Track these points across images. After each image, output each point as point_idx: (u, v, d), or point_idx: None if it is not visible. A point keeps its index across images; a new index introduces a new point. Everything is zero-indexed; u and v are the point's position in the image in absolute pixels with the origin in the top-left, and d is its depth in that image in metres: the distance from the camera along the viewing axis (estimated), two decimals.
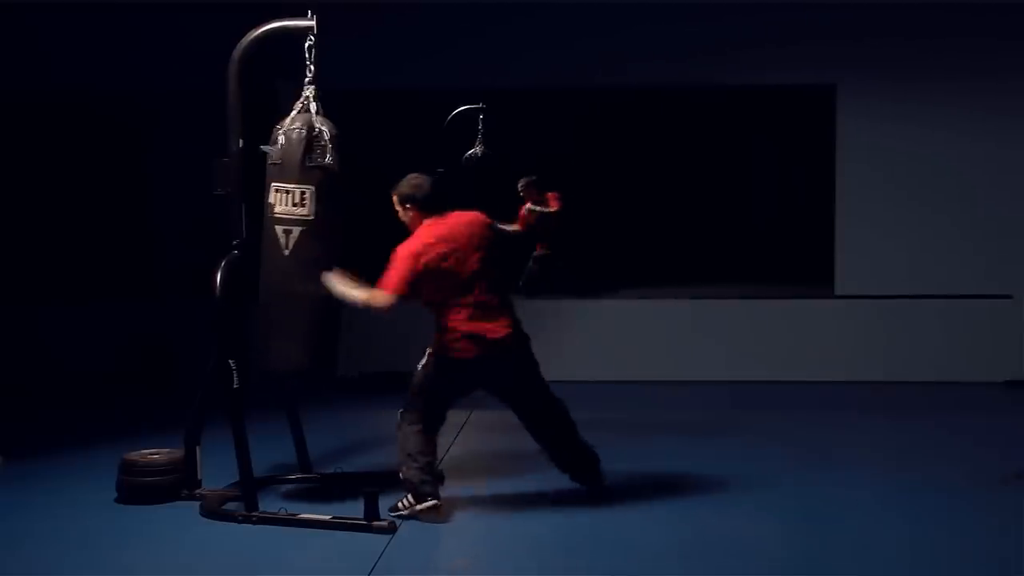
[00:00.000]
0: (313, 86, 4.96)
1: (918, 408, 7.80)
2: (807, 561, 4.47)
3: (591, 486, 5.24)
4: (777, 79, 8.95)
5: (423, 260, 4.80)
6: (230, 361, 5.01)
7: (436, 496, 4.93)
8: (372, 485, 4.92)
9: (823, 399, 8.13)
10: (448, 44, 8.87)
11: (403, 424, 4.98)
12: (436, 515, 4.91)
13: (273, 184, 4.89)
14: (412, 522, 4.91)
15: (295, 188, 4.84)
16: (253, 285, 5.18)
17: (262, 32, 5.10)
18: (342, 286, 4.83)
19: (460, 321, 4.89)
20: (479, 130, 8.57)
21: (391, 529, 4.72)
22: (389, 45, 8.82)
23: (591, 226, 10.65)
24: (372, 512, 4.74)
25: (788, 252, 11.11)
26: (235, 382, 5.01)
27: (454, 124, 8.57)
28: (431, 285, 4.84)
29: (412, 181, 5.01)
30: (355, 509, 4.84)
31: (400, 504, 4.95)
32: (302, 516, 4.87)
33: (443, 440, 6.23)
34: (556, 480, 5.42)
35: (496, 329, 4.93)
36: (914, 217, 8.77)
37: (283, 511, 4.92)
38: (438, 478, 5.25)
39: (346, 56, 8.28)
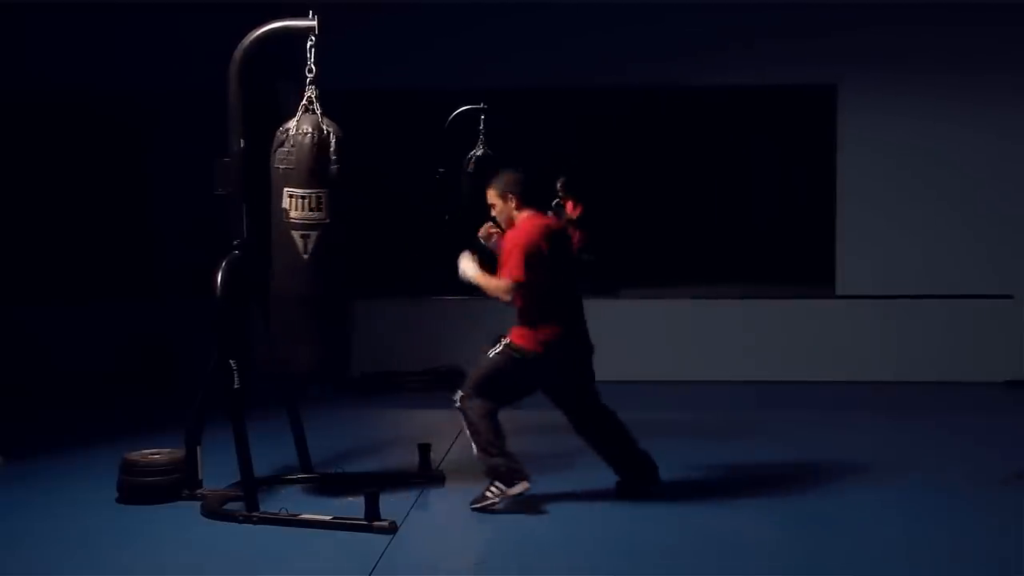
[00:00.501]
0: (314, 86, 4.96)
1: (919, 408, 7.79)
2: (807, 561, 4.47)
3: (645, 488, 5.27)
4: (778, 78, 8.95)
5: (533, 249, 4.96)
6: (231, 361, 5.01)
7: (527, 476, 4.97)
8: (372, 485, 4.92)
9: (824, 399, 8.13)
10: (448, 44, 8.86)
11: (469, 411, 4.99)
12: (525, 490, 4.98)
13: (286, 190, 4.88)
14: (412, 522, 4.92)
15: (311, 193, 4.86)
16: (254, 285, 5.17)
17: (263, 32, 5.09)
18: (474, 271, 5.00)
19: (545, 315, 4.99)
20: (480, 130, 8.58)
21: (392, 529, 4.71)
22: (389, 45, 8.81)
23: (591, 226, 10.64)
24: (373, 512, 4.74)
25: (789, 252, 11.12)
26: (236, 382, 5.01)
27: (455, 124, 8.58)
28: (534, 273, 4.95)
29: (512, 175, 5.20)
30: (357, 509, 4.84)
31: (488, 493, 4.97)
32: (303, 516, 4.86)
33: (445, 441, 6.24)
34: (557, 481, 5.43)
35: (573, 328, 5.10)
36: (915, 217, 8.77)
37: (284, 511, 4.91)
38: (439, 479, 5.26)
39: (346, 56, 8.27)
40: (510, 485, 4.95)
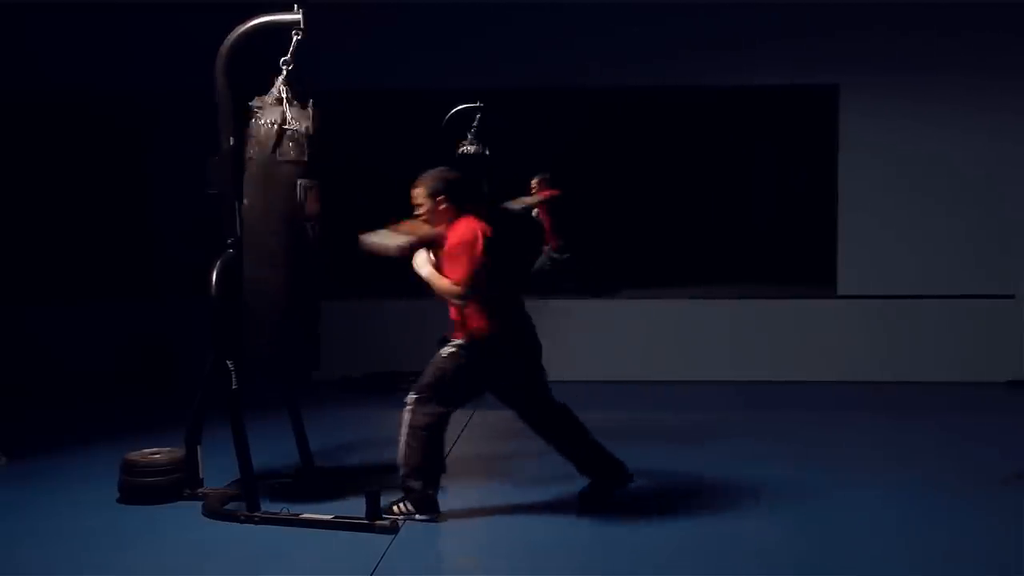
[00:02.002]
0: (284, 79, 4.92)
1: (919, 408, 7.79)
2: (807, 561, 4.47)
3: (615, 488, 5.21)
4: (780, 79, 8.94)
5: (479, 251, 4.78)
6: (228, 362, 5.00)
7: (435, 511, 4.91)
8: (374, 484, 4.92)
9: (824, 399, 8.13)
10: (448, 44, 8.86)
11: (413, 414, 4.86)
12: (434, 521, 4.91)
13: (300, 182, 4.88)
14: (414, 522, 4.91)
15: (316, 184, 4.93)
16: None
17: (250, 27, 5.05)
18: (428, 269, 4.81)
19: (490, 315, 4.87)
20: (473, 127, 8.57)
21: (393, 529, 4.72)
22: (389, 45, 8.81)
23: (591, 226, 10.65)
24: (374, 512, 4.74)
25: (790, 252, 11.11)
26: (234, 382, 5.00)
27: (452, 123, 8.57)
28: (480, 278, 4.81)
29: (444, 174, 4.95)
30: (358, 508, 4.83)
31: (396, 508, 4.90)
32: (304, 516, 4.87)
33: (446, 441, 6.23)
34: (557, 482, 5.43)
35: (519, 326, 4.98)
36: (916, 217, 8.77)
37: (285, 511, 4.91)
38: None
39: (345, 56, 8.28)
40: (420, 512, 4.87)
